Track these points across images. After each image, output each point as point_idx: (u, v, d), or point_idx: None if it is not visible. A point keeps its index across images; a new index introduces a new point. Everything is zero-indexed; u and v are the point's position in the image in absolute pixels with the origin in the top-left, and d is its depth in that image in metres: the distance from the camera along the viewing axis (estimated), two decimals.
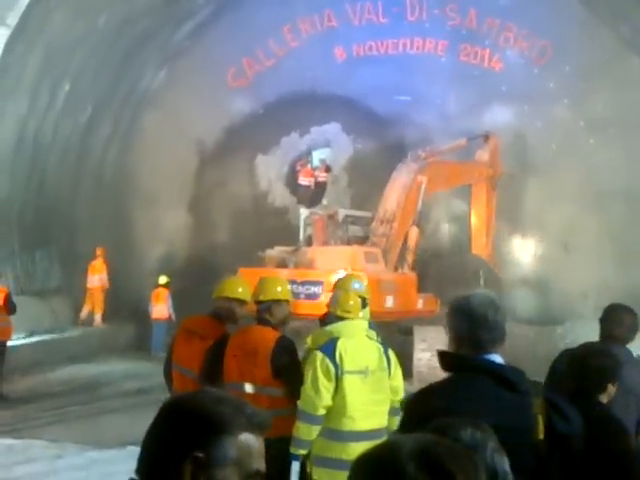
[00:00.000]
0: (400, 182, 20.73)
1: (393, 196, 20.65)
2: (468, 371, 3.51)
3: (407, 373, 17.15)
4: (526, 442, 3.16)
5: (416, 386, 16.93)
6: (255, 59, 26.38)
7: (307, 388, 6.15)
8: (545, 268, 23.25)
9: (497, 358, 3.55)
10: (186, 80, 25.48)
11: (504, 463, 2.28)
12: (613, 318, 5.78)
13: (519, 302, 22.54)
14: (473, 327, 3.56)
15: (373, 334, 6.85)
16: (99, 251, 22.83)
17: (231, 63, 26.13)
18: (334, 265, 18.45)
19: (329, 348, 6.18)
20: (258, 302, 6.67)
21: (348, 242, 20.36)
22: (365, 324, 6.59)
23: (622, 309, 5.86)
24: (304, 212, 21.51)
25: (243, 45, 25.63)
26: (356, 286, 7.49)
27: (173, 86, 25.94)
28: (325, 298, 18.10)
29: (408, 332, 18.17)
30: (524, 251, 24.13)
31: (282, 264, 19.28)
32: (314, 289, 18.20)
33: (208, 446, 1.98)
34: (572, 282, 21.41)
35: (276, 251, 20.21)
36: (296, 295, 17.93)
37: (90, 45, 21.81)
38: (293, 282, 18.04)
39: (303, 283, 18.31)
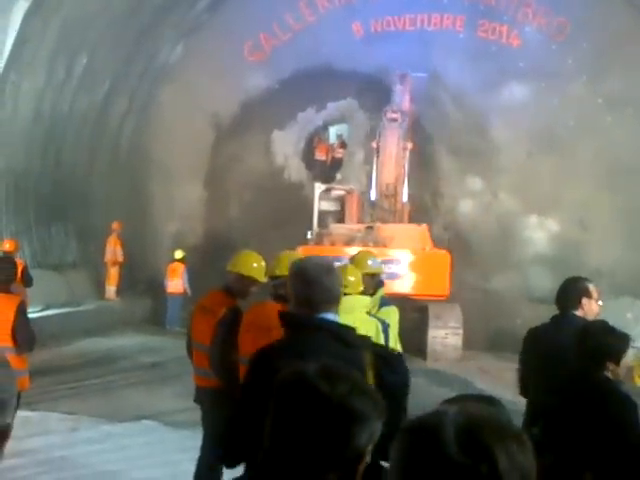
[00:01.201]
0: (390, 152, 20.39)
1: (388, 168, 20.39)
2: (306, 329, 3.84)
3: (421, 351, 17.29)
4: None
5: (430, 364, 17.04)
6: (272, 34, 26.29)
7: None
8: (560, 246, 23.16)
9: (332, 317, 3.88)
10: (203, 55, 25.45)
11: None
12: (566, 292, 6.04)
13: (533, 280, 22.50)
14: (308, 289, 3.89)
15: (394, 310, 6.83)
16: (115, 225, 22.86)
17: (248, 38, 26.07)
18: (406, 244, 18.36)
19: None
20: (273, 277, 6.66)
21: (372, 219, 20.21)
22: (366, 300, 6.49)
23: (570, 281, 6.12)
24: (319, 187, 21.30)
25: (260, 20, 25.56)
26: (369, 263, 7.44)
27: (190, 61, 25.91)
28: (410, 277, 18.06)
29: (423, 310, 18.13)
30: (539, 229, 24.04)
31: (350, 242, 18.74)
32: (396, 268, 18.04)
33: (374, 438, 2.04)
34: (588, 260, 21.32)
35: (344, 228, 19.69)
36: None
37: (107, 19, 21.79)
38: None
39: (384, 262, 18.10)
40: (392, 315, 6.92)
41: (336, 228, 19.70)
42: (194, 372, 7.45)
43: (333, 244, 18.42)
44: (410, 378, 4.05)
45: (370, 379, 3.65)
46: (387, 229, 19.07)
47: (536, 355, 5.89)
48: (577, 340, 4.68)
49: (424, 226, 19.25)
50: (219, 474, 6.86)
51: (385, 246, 18.36)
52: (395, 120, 20.82)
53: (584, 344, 4.60)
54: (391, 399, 2.95)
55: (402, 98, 21.98)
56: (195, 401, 7.49)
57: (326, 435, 1.99)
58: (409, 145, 20.66)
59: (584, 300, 5.89)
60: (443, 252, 18.44)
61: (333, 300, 3.93)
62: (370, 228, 19.11)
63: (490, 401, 2.35)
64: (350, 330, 3.90)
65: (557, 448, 3.85)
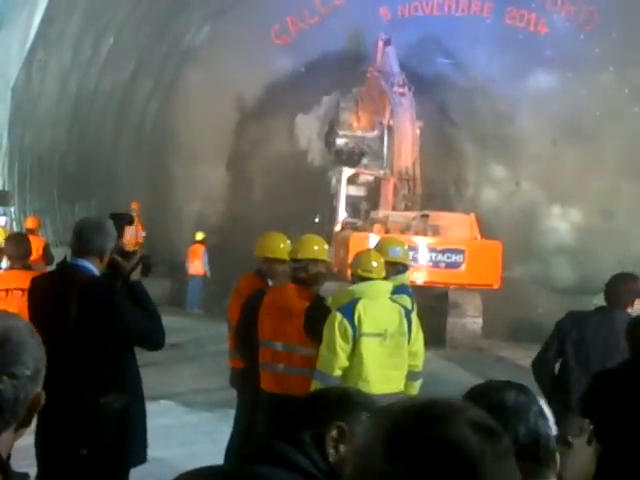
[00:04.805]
0: (406, 133, 20.07)
1: (405, 151, 20.13)
2: (58, 269, 5.01)
3: (440, 339, 17.23)
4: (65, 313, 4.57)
5: (448, 352, 16.98)
6: (299, 17, 26.23)
7: (324, 348, 6.09)
8: (583, 236, 23.04)
9: (84, 262, 4.75)
10: (229, 36, 25.39)
11: (547, 427, 2.26)
12: (621, 289, 6.03)
13: (555, 270, 22.40)
14: (73, 238, 4.87)
15: (405, 299, 6.79)
16: (134, 205, 22.58)
17: (275, 20, 26.02)
18: (459, 233, 18.26)
19: (349, 309, 6.10)
20: (295, 260, 6.66)
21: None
22: (389, 286, 6.46)
23: (625, 277, 6.16)
24: (347, 172, 20.98)
25: (287, 3, 25.53)
26: (390, 251, 7.36)
27: (216, 42, 25.88)
28: (467, 267, 18.01)
29: (442, 297, 18.04)
30: (562, 219, 23.93)
31: (406, 230, 18.36)
32: (455, 257, 17.97)
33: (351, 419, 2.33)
34: (610, 251, 21.20)
35: (399, 216, 19.22)
36: (436, 264, 17.78)
37: None
38: (432, 250, 17.87)
39: (444, 251, 18.03)
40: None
41: (391, 215, 19.25)
42: (229, 355, 7.59)
43: (388, 232, 18.04)
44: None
45: (74, 310, 4.58)
46: (440, 217, 18.89)
47: (581, 343, 5.92)
48: (629, 331, 4.60)
49: (472, 215, 19.05)
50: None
51: (440, 235, 18.26)
52: (404, 94, 20.49)
53: (637, 335, 4.52)
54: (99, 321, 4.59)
55: (396, 62, 21.70)
56: (230, 384, 7.56)
57: None
58: (420, 124, 20.46)
59: (637, 302, 5.94)
60: (496, 242, 18.31)
61: (90, 250, 4.77)
62: (425, 216, 18.75)
63: (520, 388, 2.32)
64: (80, 272, 4.72)
65: (608, 437, 3.78)
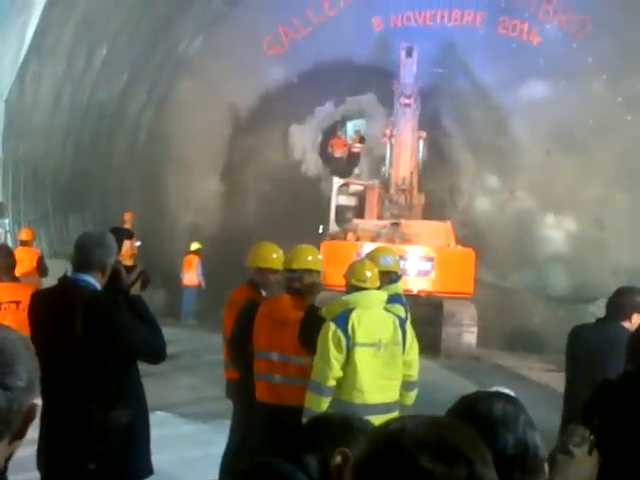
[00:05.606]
0: (406, 143, 20.04)
1: (404, 160, 20.11)
2: (60, 283, 4.91)
3: (435, 349, 17.22)
4: (70, 329, 4.57)
5: (443, 361, 16.98)
6: (292, 27, 26.24)
7: (318, 359, 6.10)
8: (577, 245, 23.04)
9: (85, 277, 4.79)
10: (222, 47, 25.42)
11: (535, 437, 2.27)
12: (621, 302, 6.01)
13: (550, 279, 22.40)
14: (74, 252, 4.88)
15: (399, 308, 6.78)
16: (127, 216, 22.41)
17: (267, 31, 26.03)
18: (431, 240, 18.27)
19: (342, 319, 6.08)
20: (289, 271, 6.66)
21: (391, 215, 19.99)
22: (383, 295, 6.44)
23: (627, 291, 6.11)
24: (337, 182, 21.12)
25: (280, 13, 25.52)
26: (381, 261, 7.34)
27: (209, 53, 25.89)
28: (436, 275, 18.02)
29: (437, 307, 18.05)
30: (556, 228, 23.93)
31: (376, 238, 18.44)
32: (425, 265, 17.99)
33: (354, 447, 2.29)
34: (604, 260, 21.21)
35: (370, 224, 19.37)
36: (405, 272, 17.83)
37: (127, 11, 21.85)
38: (401, 258, 17.85)
39: (418, 259, 18.06)
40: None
41: (362, 224, 19.34)
42: (224, 366, 7.59)
43: (358, 239, 18.19)
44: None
45: (79, 326, 4.57)
46: (412, 225, 18.89)
47: (577, 355, 5.96)
48: (630, 343, 4.56)
49: (448, 223, 19.11)
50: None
51: (410, 243, 18.25)
52: (409, 105, 20.48)
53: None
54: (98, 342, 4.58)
55: (411, 73, 21.63)
56: (226, 395, 7.57)
57: None
58: (423, 134, 20.48)
59: (635, 316, 5.88)
60: (468, 250, 18.33)
61: (91, 265, 4.81)
62: (396, 224, 18.82)
63: (508, 398, 2.33)
64: (82, 287, 4.73)
65: (608, 448, 3.78)
